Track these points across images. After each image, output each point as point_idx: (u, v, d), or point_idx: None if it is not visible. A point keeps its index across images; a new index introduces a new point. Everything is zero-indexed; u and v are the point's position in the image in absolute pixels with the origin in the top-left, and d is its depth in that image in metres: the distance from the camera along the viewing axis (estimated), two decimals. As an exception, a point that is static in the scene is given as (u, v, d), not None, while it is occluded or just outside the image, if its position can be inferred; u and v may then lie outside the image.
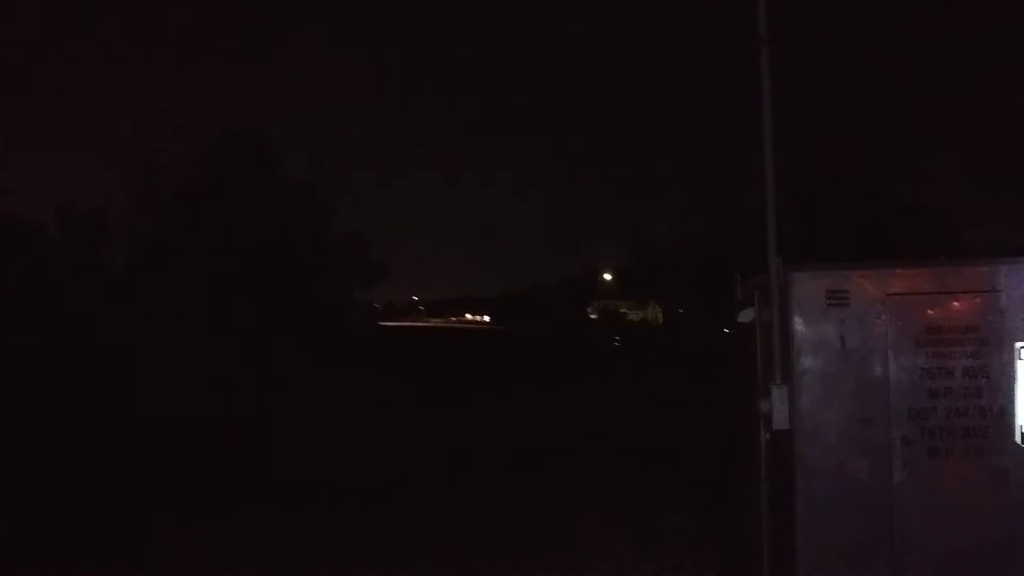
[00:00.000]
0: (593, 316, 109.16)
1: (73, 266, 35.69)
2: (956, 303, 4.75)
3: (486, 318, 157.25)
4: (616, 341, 56.02)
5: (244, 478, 10.82)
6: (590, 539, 7.54)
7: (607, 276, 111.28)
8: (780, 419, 4.75)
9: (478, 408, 18.06)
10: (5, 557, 7.42)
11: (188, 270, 33.34)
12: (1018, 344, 4.70)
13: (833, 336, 4.72)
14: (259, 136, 38.30)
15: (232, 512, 8.96)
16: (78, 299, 32.41)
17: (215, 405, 18.94)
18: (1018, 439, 4.69)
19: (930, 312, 4.74)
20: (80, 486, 10.38)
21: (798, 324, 4.73)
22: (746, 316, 5.47)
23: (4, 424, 15.49)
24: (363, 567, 6.95)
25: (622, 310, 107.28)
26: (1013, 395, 4.70)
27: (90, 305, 32.27)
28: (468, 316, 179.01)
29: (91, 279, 35.07)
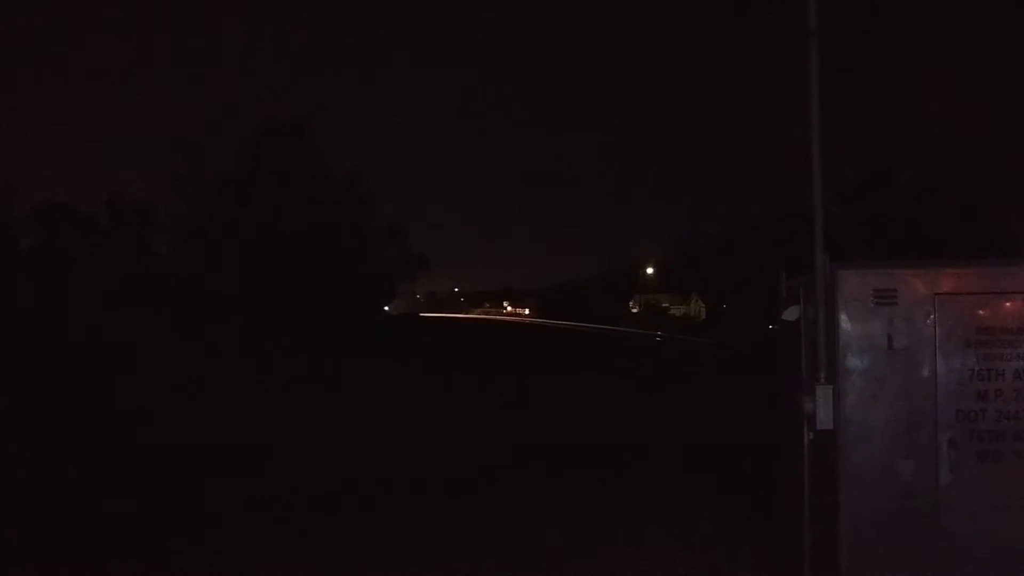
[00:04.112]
0: (635, 310, 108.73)
1: (121, 252, 36.41)
2: (1008, 304, 4.65)
3: (526, 311, 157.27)
4: (658, 337, 55.70)
5: (294, 464, 10.93)
6: (625, 535, 7.51)
7: (649, 270, 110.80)
8: (824, 419, 4.69)
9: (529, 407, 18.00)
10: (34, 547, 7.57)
11: (232, 258, 33.85)
12: (1072, 347, 4.59)
13: (880, 335, 4.64)
14: (303, 127, 38.73)
15: (287, 498, 9.08)
16: (126, 283, 33.10)
17: (260, 388, 19.19)
18: (1071, 444, 4.58)
19: (981, 312, 4.65)
20: (124, 465, 10.59)
21: (844, 323, 4.66)
22: (791, 314, 5.40)
23: (56, 402, 15.88)
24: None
25: (664, 304, 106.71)
26: (1066, 399, 4.60)
27: (137, 289, 32.94)
28: (508, 308, 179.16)
29: (138, 265, 35.77)
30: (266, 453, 11.85)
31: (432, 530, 7.79)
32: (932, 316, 4.63)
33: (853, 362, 4.66)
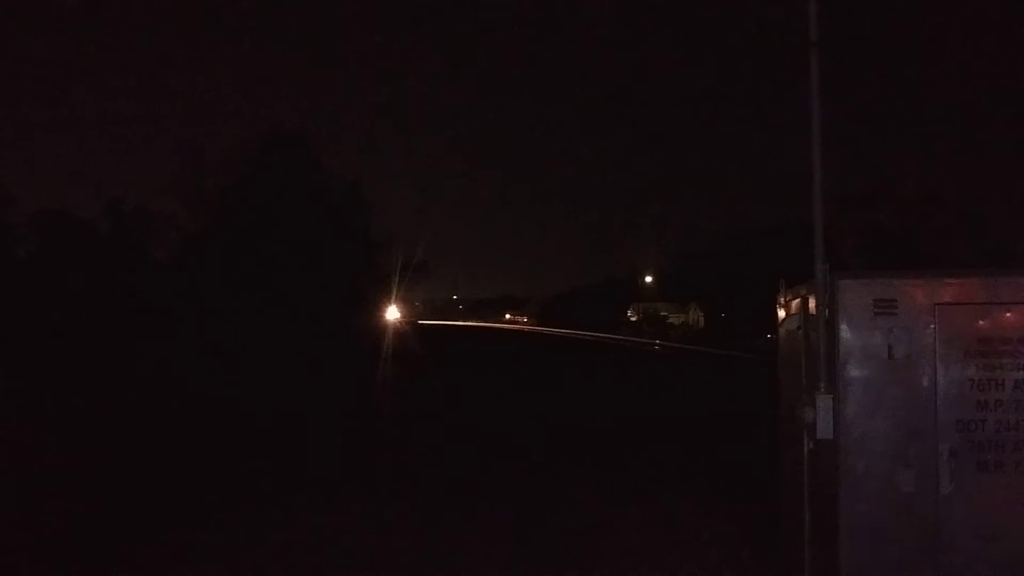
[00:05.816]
0: (633, 319, 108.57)
1: (120, 259, 36.37)
2: (1008, 314, 4.65)
3: (524, 319, 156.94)
4: (656, 345, 55.64)
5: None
6: (628, 540, 7.52)
7: (648, 278, 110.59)
8: (824, 429, 4.68)
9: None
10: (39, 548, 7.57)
11: (231, 265, 33.83)
12: (1072, 357, 4.59)
13: (880, 345, 4.64)
14: (303, 135, 38.75)
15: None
16: (125, 290, 33.07)
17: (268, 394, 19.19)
18: (1071, 454, 4.57)
19: (980, 322, 4.65)
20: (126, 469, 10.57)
21: (844, 332, 4.65)
22: (791, 323, 5.40)
23: (56, 405, 15.86)
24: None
25: (662, 313, 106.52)
26: (1066, 409, 4.59)
27: (136, 295, 32.90)
28: (507, 316, 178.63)
29: (137, 271, 35.73)
30: (266, 453, 11.87)
31: (430, 530, 7.79)
32: (932, 326, 4.63)
33: (853, 372, 4.66)
